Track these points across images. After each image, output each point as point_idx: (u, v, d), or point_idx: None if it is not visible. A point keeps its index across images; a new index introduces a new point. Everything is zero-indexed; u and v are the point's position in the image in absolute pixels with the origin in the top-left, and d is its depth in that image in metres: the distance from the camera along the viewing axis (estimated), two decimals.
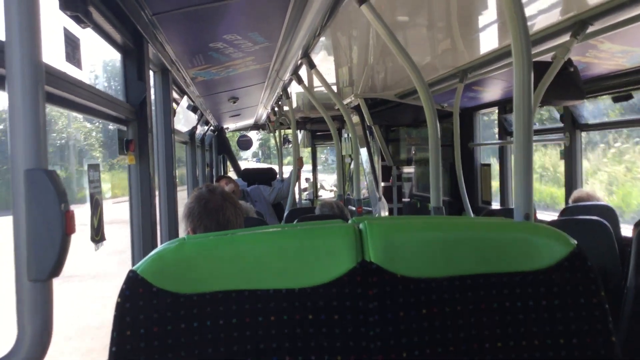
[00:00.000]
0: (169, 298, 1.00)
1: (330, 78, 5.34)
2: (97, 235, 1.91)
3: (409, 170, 8.26)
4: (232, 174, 10.28)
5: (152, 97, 2.97)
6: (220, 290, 1.01)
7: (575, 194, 4.11)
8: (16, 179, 0.97)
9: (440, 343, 1.05)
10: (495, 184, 5.99)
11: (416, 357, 1.04)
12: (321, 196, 11.63)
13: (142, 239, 2.44)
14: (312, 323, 1.03)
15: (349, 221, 1.14)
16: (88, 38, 1.92)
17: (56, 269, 0.99)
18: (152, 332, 0.99)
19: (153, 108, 3.04)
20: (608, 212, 3.63)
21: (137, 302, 0.99)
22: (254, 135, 12.27)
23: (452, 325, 1.06)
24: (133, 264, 1.71)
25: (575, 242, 1.12)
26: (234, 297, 1.01)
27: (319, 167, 12.19)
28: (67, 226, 0.99)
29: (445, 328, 1.06)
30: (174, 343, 0.99)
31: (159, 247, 1.06)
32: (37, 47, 1.01)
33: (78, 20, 1.72)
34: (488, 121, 6.41)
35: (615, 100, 3.98)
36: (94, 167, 1.94)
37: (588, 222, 3.28)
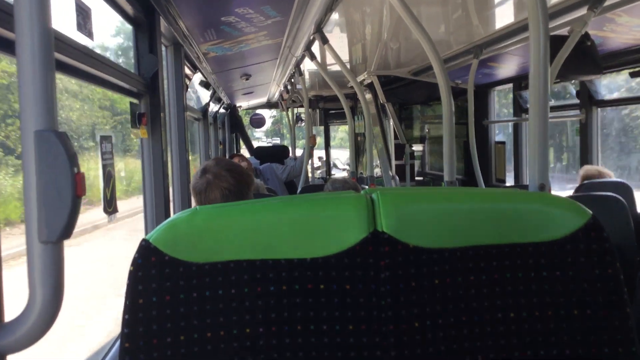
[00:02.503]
0: (181, 267, 1.00)
1: (343, 55, 5.31)
2: (110, 207, 1.92)
3: (422, 148, 8.23)
4: (245, 152, 10.30)
5: (164, 72, 2.96)
6: (232, 259, 1.01)
7: (584, 171, 4.05)
8: (26, 141, 0.96)
9: (453, 313, 1.05)
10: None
11: (428, 327, 1.04)
12: (334, 174, 11.63)
13: (155, 210, 2.45)
14: (324, 293, 1.03)
15: (362, 192, 1.14)
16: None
17: (67, 230, 0.99)
18: (164, 301, 0.99)
19: (165, 83, 3.04)
20: (623, 188, 3.59)
21: (149, 270, 0.99)
22: (266, 113, 12.25)
23: (465, 296, 1.06)
24: (146, 234, 1.71)
25: (591, 212, 1.11)
26: (246, 267, 1.01)
27: (333, 144, 12.15)
28: (77, 188, 0.99)
29: (457, 298, 1.05)
30: (186, 311, 0.99)
31: (172, 216, 1.06)
32: (46, 11, 1.00)
33: None
34: (504, 102, 6.36)
35: (633, 75, 3.92)
36: (107, 139, 1.94)
37: (603, 198, 3.25)
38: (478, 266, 1.07)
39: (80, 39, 1.68)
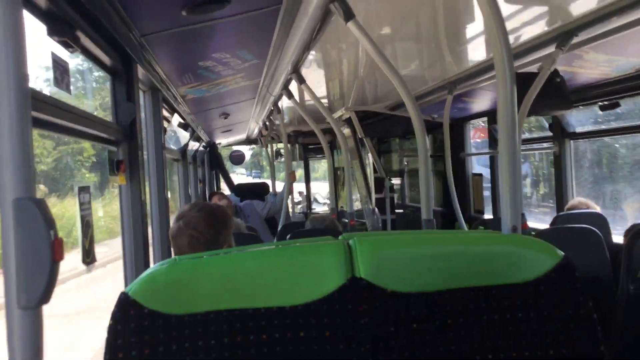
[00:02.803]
0: (161, 319, 1.00)
1: (321, 92, 5.36)
2: (88, 257, 1.91)
3: (401, 181, 8.28)
4: (225, 189, 10.26)
5: (143, 116, 2.97)
6: (212, 310, 1.01)
7: (572, 202, 4.13)
8: (5, 208, 0.97)
9: (432, 357, 1.06)
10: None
11: None
12: (314, 209, 11.61)
13: (135, 260, 2.43)
14: (304, 340, 1.03)
15: (339, 237, 1.15)
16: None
17: (45, 295, 0.99)
18: (143, 354, 0.99)
19: (143, 127, 3.05)
20: (599, 220, 3.65)
21: (128, 324, 0.99)
22: (246, 146, 12.24)
23: (443, 339, 1.07)
24: (126, 285, 1.71)
25: (563, 253, 1.13)
26: (225, 316, 1.02)
27: (316, 177, 12.16)
28: (55, 253, 0.99)
29: (436, 342, 1.06)
30: None
31: (151, 268, 1.07)
32: (23, 74, 1.02)
33: (66, 45, 1.73)
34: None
35: (602, 108, 4.01)
36: (85, 190, 1.95)
37: (579, 230, 3.29)
38: (455, 309, 1.08)
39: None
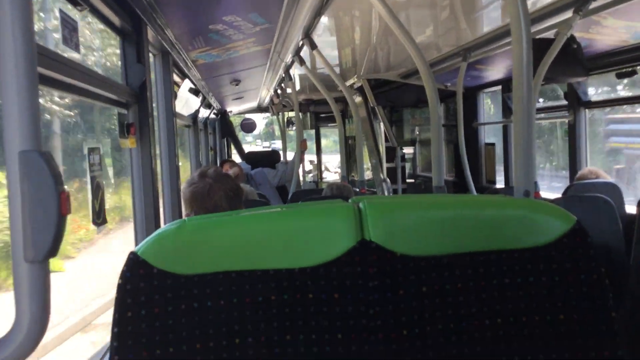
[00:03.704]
0: (170, 279, 1.00)
1: (333, 59, 5.31)
2: (99, 218, 1.92)
3: (413, 150, 8.24)
4: (236, 157, 10.28)
5: (153, 80, 2.96)
6: (221, 270, 1.02)
7: (581, 171, 4.10)
8: (11, 161, 0.97)
9: (441, 320, 1.06)
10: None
11: (416, 334, 1.05)
12: (325, 178, 11.64)
13: (145, 222, 2.44)
14: (313, 302, 1.03)
15: (349, 201, 1.15)
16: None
17: (53, 249, 0.99)
18: (153, 313, 0.99)
19: (154, 91, 3.04)
20: (613, 190, 3.62)
21: (137, 283, 1.00)
22: (260, 116, 12.23)
23: (453, 303, 1.07)
24: (136, 244, 1.71)
25: (575, 218, 1.12)
26: (234, 278, 1.02)
27: (326, 148, 12.16)
28: (62, 207, 0.99)
29: (445, 305, 1.06)
30: (175, 324, 1.00)
31: (160, 228, 1.07)
32: (29, 27, 1.00)
33: (75, 3, 1.71)
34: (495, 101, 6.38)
35: (619, 76, 3.94)
36: (94, 151, 1.94)
37: (592, 199, 3.27)
38: (465, 273, 1.08)
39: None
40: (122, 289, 1.00)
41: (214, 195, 2.05)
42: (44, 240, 0.98)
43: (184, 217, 2.14)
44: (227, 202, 2.06)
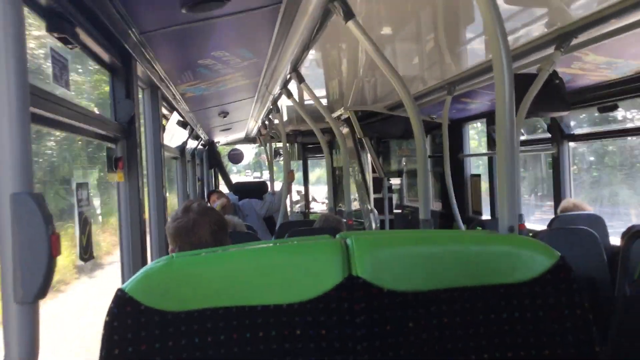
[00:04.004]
0: (157, 316, 1.00)
1: (320, 91, 5.35)
2: (86, 254, 1.91)
3: (400, 181, 8.27)
4: (224, 187, 10.25)
5: (141, 113, 2.97)
6: (208, 307, 1.02)
7: (563, 204, 4.14)
8: (2, 203, 0.97)
9: (428, 356, 1.06)
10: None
11: None
12: (313, 209, 11.61)
13: (132, 257, 2.43)
14: (300, 338, 1.04)
15: (337, 236, 1.16)
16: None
17: (42, 291, 0.99)
18: (140, 351, 0.99)
19: (142, 125, 3.05)
20: (597, 222, 3.65)
21: (125, 320, 1.00)
22: (249, 147, 12.21)
23: (439, 338, 1.07)
24: (123, 282, 1.71)
25: (559, 254, 1.14)
26: (222, 314, 1.02)
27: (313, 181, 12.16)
28: (52, 249, 1.00)
29: (432, 341, 1.07)
30: None
31: (147, 265, 1.07)
32: (23, 69, 1.02)
33: (66, 42, 1.73)
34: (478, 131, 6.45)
35: (601, 110, 4.01)
36: (82, 186, 1.95)
37: (576, 231, 3.30)
38: (451, 308, 1.09)
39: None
40: (109, 326, 1.00)
41: (199, 230, 2.04)
42: (33, 282, 0.98)
43: (169, 252, 2.13)
44: (212, 237, 2.04)
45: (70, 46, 1.76)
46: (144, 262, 2.47)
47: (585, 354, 1.10)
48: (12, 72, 1.00)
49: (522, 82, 3.05)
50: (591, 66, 3.48)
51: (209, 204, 2.68)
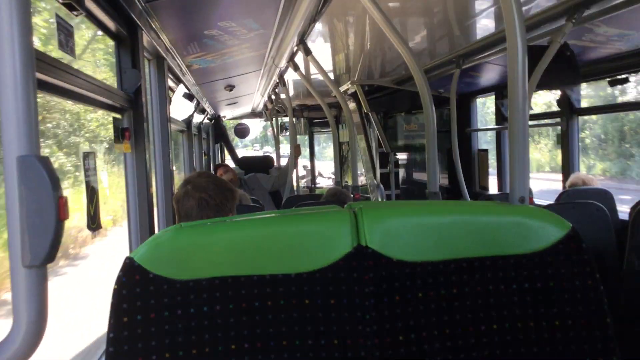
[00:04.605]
0: (166, 284, 1.00)
1: (327, 65, 5.32)
2: (94, 223, 1.91)
3: (406, 156, 8.25)
4: (230, 162, 10.26)
5: (148, 85, 2.95)
6: (217, 276, 1.02)
7: (571, 179, 4.12)
8: (9, 166, 0.96)
9: (436, 326, 1.06)
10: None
11: (412, 340, 1.05)
12: (319, 183, 11.63)
13: (139, 226, 2.44)
14: (309, 307, 1.04)
15: (345, 206, 1.15)
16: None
17: (50, 254, 0.99)
18: (149, 319, 0.99)
19: (148, 96, 3.03)
20: (605, 196, 3.64)
21: (133, 288, 1.00)
22: (257, 120, 12.19)
23: (448, 309, 1.07)
24: (130, 251, 1.71)
25: (570, 224, 1.13)
26: (230, 283, 1.02)
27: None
28: (60, 212, 0.99)
29: (441, 311, 1.07)
30: (171, 329, 1.00)
31: (156, 233, 1.07)
32: (27, 32, 1.01)
33: (71, 8, 1.71)
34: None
35: (612, 83, 3.97)
36: (89, 156, 1.94)
37: (585, 205, 3.28)
38: (460, 279, 1.08)
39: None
40: (118, 294, 1.00)
41: (187, 202, 2.07)
42: (41, 245, 0.98)
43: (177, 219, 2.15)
44: (198, 211, 2.06)
45: (75, 12, 1.73)
46: (152, 231, 2.48)
47: (596, 325, 1.09)
48: (16, 36, 0.99)
49: (532, 54, 2.99)
50: (602, 38, 3.44)
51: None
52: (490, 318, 1.08)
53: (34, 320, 1.00)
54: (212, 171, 7.90)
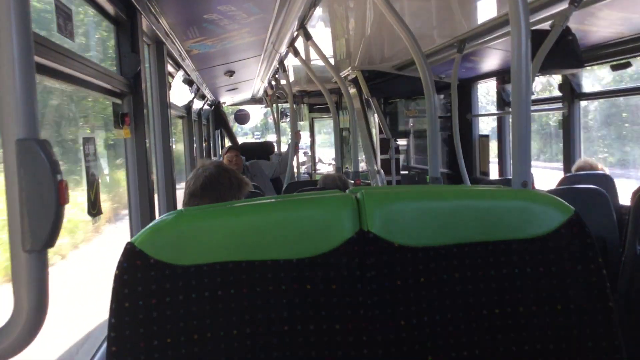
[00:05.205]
0: (167, 270, 1.00)
1: (328, 50, 5.30)
2: (94, 209, 1.91)
3: (407, 142, 8.24)
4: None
5: (147, 70, 2.94)
6: (218, 261, 1.02)
7: (578, 163, 4.11)
8: (8, 149, 0.96)
9: (438, 311, 1.06)
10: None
11: (414, 325, 1.05)
12: (319, 170, 11.63)
13: (140, 212, 2.44)
14: (310, 293, 1.03)
15: (347, 191, 1.14)
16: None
17: (51, 239, 0.98)
18: (150, 304, 0.99)
19: (148, 81, 3.02)
20: (607, 181, 3.63)
21: (135, 274, 0.99)
22: (258, 107, 12.16)
23: (450, 293, 1.07)
24: (131, 236, 1.71)
25: (573, 208, 1.12)
26: (232, 268, 1.02)
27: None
28: (60, 196, 0.98)
29: (443, 296, 1.06)
30: (173, 314, 0.99)
31: (157, 219, 1.06)
32: (26, 15, 0.99)
33: None
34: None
35: (614, 68, 3.95)
36: (89, 141, 1.93)
37: (586, 190, 3.28)
38: (463, 264, 1.08)
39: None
40: (119, 279, 1.00)
41: (223, 179, 2.10)
42: (41, 230, 0.97)
43: (179, 207, 2.15)
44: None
45: None
46: (152, 216, 2.48)
47: (599, 309, 1.09)
48: (15, 19, 0.97)
49: (534, 38, 2.98)
50: (605, 22, 3.41)
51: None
52: (492, 303, 1.07)
53: (35, 306, 0.99)
54: (216, 156, 7.89)
